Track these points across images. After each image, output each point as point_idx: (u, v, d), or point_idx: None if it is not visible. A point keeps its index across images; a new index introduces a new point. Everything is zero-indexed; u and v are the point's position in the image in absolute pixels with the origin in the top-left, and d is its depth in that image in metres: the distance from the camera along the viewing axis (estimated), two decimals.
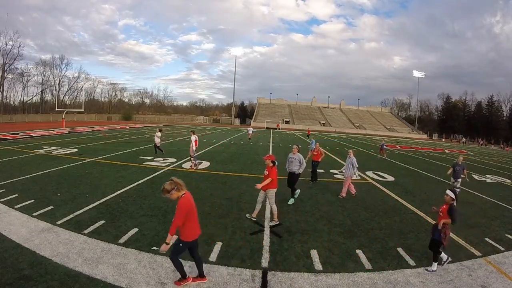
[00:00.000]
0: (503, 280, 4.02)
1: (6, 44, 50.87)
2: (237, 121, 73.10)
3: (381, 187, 9.44)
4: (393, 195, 8.47)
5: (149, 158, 12.39)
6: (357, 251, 4.65)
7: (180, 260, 3.43)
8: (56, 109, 40.29)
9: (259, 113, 75.03)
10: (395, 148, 28.40)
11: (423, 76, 78.26)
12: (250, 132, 27.38)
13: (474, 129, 73.84)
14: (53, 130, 25.84)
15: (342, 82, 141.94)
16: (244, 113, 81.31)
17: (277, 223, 5.60)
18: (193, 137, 11.14)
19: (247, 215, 5.89)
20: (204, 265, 3.95)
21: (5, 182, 7.42)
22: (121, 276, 3.57)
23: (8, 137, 18.59)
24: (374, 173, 12.03)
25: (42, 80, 63.15)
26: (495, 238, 5.59)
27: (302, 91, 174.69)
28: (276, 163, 5.71)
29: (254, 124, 66.13)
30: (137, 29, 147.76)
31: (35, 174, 8.54)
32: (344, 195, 7.84)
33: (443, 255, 4.21)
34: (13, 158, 11.05)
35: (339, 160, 15.52)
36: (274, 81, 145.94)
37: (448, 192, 4.24)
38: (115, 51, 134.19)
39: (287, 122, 70.27)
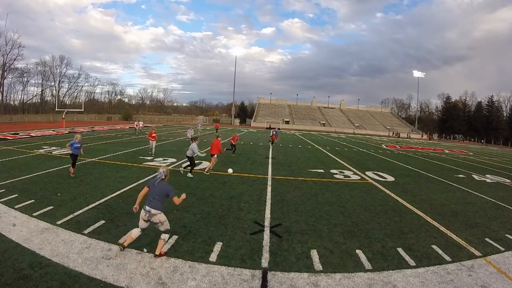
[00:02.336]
0: (503, 280, 4.02)
1: (6, 44, 50.96)
2: (237, 121, 73.11)
3: (381, 187, 9.43)
4: (393, 195, 8.47)
5: (149, 158, 12.39)
6: (357, 251, 4.65)
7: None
8: (56, 109, 40.34)
9: (259, 113, 75.08)
10: (395, 148, 28.40)
11: (423, 76, 78.32)
12: (274, 133, 24.88)
13: (474, 129, 73.90)
14: (53, 130, 25.84)
15: None
16: (244, 113, 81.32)
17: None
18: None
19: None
20: (204, 265, 3.96)
21: (5, 182, 7.42)
22: (121, 276, 3.57)
23: (8, 137, 18.60)
24: (374, 173, 12.03)
25: (42, 80, 63.28)
26: (495, 238, 5.59)
27: None
28: None
29: (254, 124, 66.18)
30: None
31: (35, 174, 8.54)
32: None
33: None
34: (13, 158, 11.05)
35: (339, 160, 15.52)
36: None
37: None
38: None
39: (287, 122, 70.30)
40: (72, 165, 8.47)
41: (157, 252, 4.10)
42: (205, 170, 10.09)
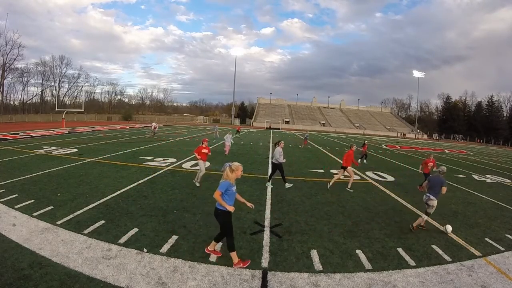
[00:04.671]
0: (503, 280, 4.02)
1: (6, 44, 50.99)
2: (237, 121, 73.12)
3: (381, 187, 9.43)
4: (393, 195, 8.47)
5: (149, 158, 12.39)
6: (357, 251, 4.65)
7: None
8: (56, 109, 40.37)
9: (259, 113, 75.08)
10: (395, 148, 28.39)
11: (423, 76, 78.32)
12: (305, 137, 23.76)
13: (474, 129, 73.92)
14: (53, 130, 25.85)
15: None
16: (244, 113, 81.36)
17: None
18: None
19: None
20: (204, 265, 3.96)
21: (5, 182, 7.42)
22: (121, 276, 3.57)
23: (8, 137, 18.59)
24: (374, 173, 12.03)
25: (42, 80, 63.31)
26: (495, 238, 5.59)
27: None
28: None
29: (254, 124, 66.11)
30: None
31: (35, 174, 8.53)
32: None
33: None
34: (13, 158, 11.04)
35: (340, 160, 15.52)
36: None
37: None
38: None
39: (287, 122, 70.30)
40: (230, 246, 4.01)
41: (414, 224, 5.61)
42: (348, 186, 8.81)
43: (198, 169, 8.42)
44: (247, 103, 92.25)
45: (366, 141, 18.59)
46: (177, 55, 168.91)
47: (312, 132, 53.67)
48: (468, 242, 5.27)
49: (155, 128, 25.15)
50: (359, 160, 16.04)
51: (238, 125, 47.14)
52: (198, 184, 8.11)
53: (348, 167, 8.69)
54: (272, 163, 8.55)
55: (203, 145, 8.44)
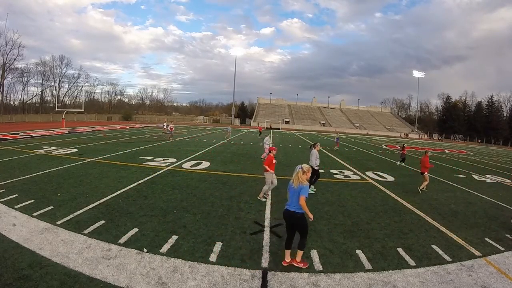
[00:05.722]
0: (503, 280, 4.02)
1: (6, 44, 51.02)
2: (237, 121, 73.13)
3: (381, 187, 9.43)
4: (393, 195, 8.47)
5: (149, 158, 12.39)
6: (357, 251, 4.65)
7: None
8: (56, 109, 40.39)
9: (259, 113, 75.08)
10: (395, 148, 28.38)
11: (423, 76, 78.34)
12: (337, 141, 22.37)
13: (474, 129, 73.94)
14: (53, 130, 25.86)
15: None
16: (244, 113, 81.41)
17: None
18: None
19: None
20: (204, 265, 3.96)
21: (5, 182, 7.42)
22: (121, 276, 3.57)
23: (8, 137, 18.60)
24: (374, 173, 12.03)
25: (42, 80, 63.35)
26: (495, 238, 5.58)
27: None
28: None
29: (254, 124, 66.08)
30: None
31: (35, 174, 8.53)
32: None
33: None
34: (13, 158, 11.05)
35: (339, 160, 15.52)
36: None
37: None
38: None
39: (287, 122, 70.33)
40: (303, 245, 4.12)
41: None
42: (420, 187, 9.06)
43: (269, 183, 7.26)
44: (247, 103, 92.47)
45: (405, 144, 17.84)
46: (177, 55, 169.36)
47: (312, 132, 53.63)
48: (468, 242, 5.27)
49: (171, 129, 22.01)
50: (398, 162, 15.49)
51: (260, 126, 43.27)
52: (264, 199, 7.21)
53: (424, 173, 9.00)
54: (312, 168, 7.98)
55: (272, 154, 7.52)
